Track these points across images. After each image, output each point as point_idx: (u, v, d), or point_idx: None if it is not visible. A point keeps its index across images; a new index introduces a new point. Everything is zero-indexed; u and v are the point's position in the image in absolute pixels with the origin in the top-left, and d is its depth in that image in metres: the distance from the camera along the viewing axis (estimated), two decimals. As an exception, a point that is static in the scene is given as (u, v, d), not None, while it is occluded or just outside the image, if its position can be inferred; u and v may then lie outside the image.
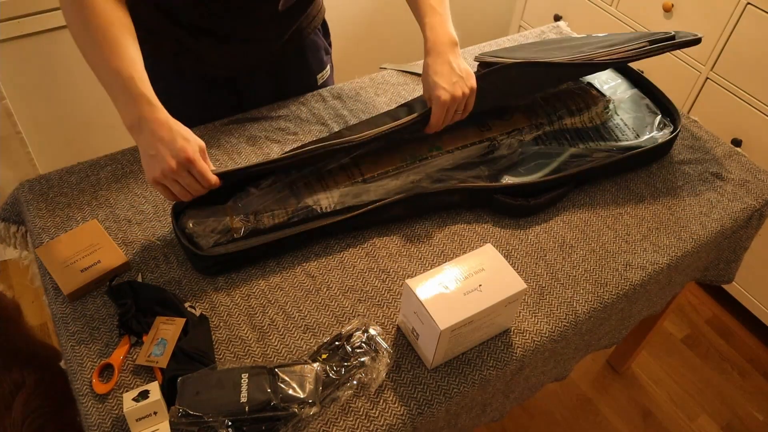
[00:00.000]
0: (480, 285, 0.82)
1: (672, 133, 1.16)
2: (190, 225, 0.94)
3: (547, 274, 0.99)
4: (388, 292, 0.94)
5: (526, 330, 0.91)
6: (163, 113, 0.84)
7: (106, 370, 0.83)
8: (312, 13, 1.17)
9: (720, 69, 1.67)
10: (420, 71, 1.33)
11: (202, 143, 0.87)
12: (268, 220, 0.97)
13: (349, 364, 0.82)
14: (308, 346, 0.87)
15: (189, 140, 0.85)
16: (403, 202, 1.01)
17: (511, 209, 1.06)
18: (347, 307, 0.92)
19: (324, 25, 1.24)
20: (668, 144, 1.17)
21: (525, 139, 1.14)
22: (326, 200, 1.00)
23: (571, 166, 1.10)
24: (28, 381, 1.04)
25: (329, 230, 0.99)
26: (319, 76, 1.26)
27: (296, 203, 0.99)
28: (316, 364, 0.81)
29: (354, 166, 1.06)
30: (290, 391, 0.76)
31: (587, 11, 2.02)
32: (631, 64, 1.31)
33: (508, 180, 1.07)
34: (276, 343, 0.87)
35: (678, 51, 1.76)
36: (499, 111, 1.18)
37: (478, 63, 1.28)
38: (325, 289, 0.94)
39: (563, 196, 1.10)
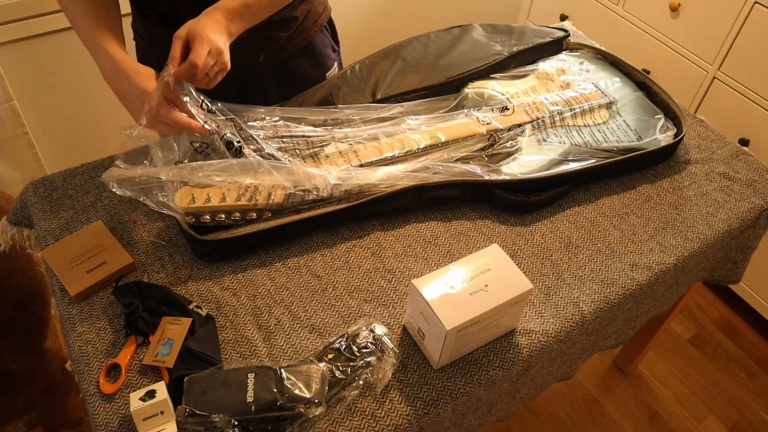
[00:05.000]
0: (486, 285, 0.82)
1: (676, 137, 1.15)
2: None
3: (553, 274, 0.98)
4: (394, 292, 0.94)
5: (533, 330, 0.91)
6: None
7: (113, 370, 0.83)
8: (317, 11, 1.17)
9: (727, 68, 1.67)
10: None
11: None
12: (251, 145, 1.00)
13: (355, 364, 0.82)
14: (314, 346, 0.87)
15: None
16: (404, 194, 1.01)
17: (511, 205, 1.06)
18: (353, 307, 0.92)
19: (330, 23, 1.24)
20: (671, 148, 1.16)
21: (525, 135, 1.14)
22: (322, 180, 0.99)
23: (571, 164, 1.10)
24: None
25: (331, 219, 0.99)
26: (328, 74, 1.27)
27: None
28: (322, 364, 0.81)
29: (352, 152, 1.06)
30: (296, 391, 0.76)
31: (593, 11, 2.01)
32: (634, 64, 1.31)
33: (507, 175, 1.07)
34: (282, 343, 0.87)
35: (685, 50, 1.76)
36: (500, 107, 1.18)
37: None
38: (331, 289, 0.94)
39: (564, 194, 1.09)
